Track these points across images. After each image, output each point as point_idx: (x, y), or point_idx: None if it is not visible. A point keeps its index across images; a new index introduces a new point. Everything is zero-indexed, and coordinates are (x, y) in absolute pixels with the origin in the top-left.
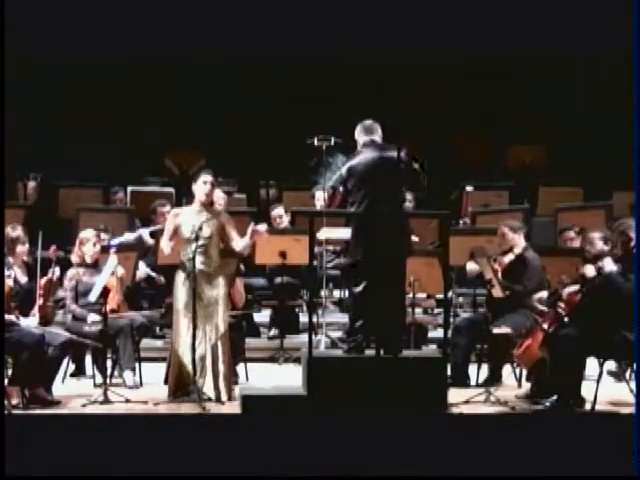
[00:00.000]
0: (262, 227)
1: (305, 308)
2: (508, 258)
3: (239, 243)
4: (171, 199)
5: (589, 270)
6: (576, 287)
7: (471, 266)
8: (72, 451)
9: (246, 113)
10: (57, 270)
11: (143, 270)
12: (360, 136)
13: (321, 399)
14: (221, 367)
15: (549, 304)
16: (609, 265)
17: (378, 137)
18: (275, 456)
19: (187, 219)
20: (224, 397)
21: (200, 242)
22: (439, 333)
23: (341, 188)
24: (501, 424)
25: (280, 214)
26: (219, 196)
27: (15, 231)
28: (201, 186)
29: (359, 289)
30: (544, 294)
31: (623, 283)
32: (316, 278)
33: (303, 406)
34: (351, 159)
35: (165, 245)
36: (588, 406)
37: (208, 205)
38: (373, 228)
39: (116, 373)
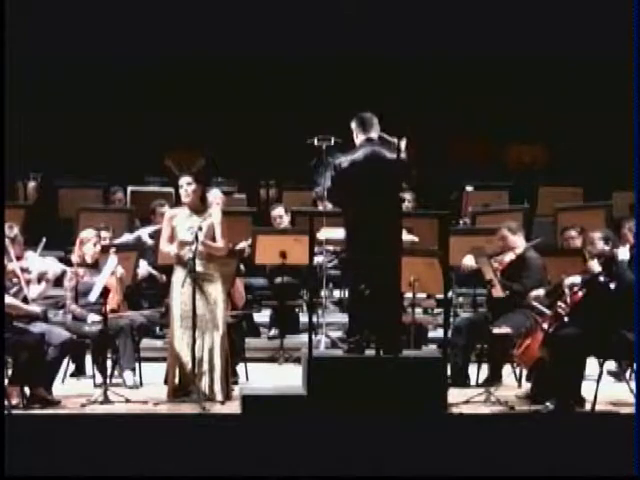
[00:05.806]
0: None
1: (305, 308)
2: (509, 257)
3: (218, 244)
4: (171, 199)
5: (594, 266)
6: (578, 279)
7: (468, 262)
8: (72, 451)
9: (246, 113)
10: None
11: (145, 268)
12: (356, 133)
13: (321, 399)
14: (219, 367)
15: (548, 302)
16: (623, 252)
17: (375, 133)
18: (275, 456)
19: (181, 221)
20: (220, 397)
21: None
22: (439, 333)
23: (328, 182)
24: (501, 424)
25: (280, 214)
26: (216, 195)
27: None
28: (180, 191)
29: (354, 289)
30: (541, 292)
31: (631, 274)
32: (316, 278)
33: (303, 406)
34: (343, 156)
35: (170, 249)
36: (588, 406)
37: (198, 205)
38: (365, 229)
39: (116, 373)
